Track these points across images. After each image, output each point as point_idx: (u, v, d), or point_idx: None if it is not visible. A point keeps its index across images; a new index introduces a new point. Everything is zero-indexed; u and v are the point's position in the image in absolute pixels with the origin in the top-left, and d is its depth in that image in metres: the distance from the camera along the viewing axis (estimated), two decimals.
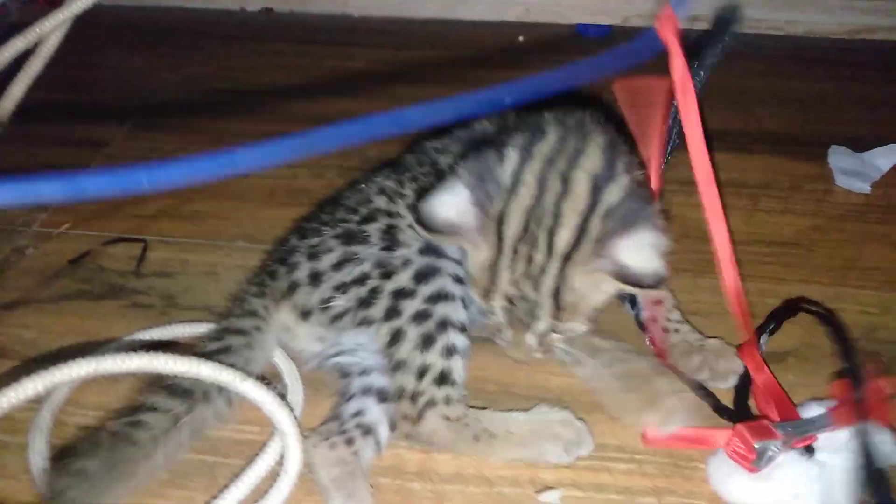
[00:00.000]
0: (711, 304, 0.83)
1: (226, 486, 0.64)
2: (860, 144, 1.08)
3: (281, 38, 1.43)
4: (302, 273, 0.73)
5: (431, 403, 0.67)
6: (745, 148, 1.10)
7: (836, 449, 0.64)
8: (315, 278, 0.73)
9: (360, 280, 0.71)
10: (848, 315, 0.82)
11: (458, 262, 0.72)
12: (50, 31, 0.77)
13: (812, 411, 0.67)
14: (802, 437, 0.64)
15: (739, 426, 0.63)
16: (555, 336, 0.69)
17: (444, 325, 0.68)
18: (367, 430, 0.68)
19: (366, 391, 0.71)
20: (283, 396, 0.69)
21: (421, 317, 0.68)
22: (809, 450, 0.64)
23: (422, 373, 0.67)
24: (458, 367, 0.69)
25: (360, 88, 1.27)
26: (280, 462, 0.65)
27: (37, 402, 0.70)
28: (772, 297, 0.84)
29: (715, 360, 0.74)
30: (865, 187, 1.02)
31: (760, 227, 0.96)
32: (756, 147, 1.11)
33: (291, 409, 0.65)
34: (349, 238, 0.73)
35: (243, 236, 0.94)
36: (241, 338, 0.72)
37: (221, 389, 0.67)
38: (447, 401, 0.67)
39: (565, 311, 0.66)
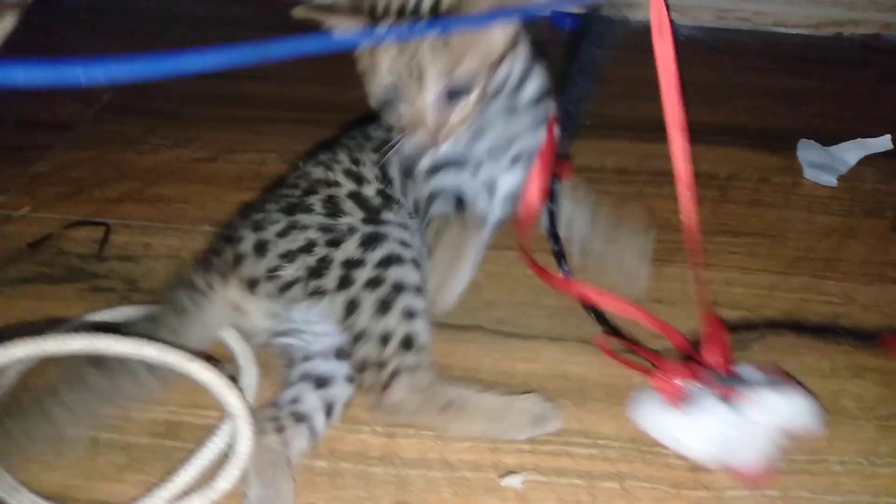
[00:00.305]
0: (677, 292, 0.84)
1: (174, 469, 0.63)
2: (828, 138, 1.09)
3: (256, 25, 1.41)
4: (247, 245, 0.72)
5: (397, 372, 0.65)
6: (715, 140, 1.11)
7: (766, 410, 0.65)
8: (260, 248, 0.72)
9: (307, 248, 0.70)
10: (813, 305, 0.84)
11: (404, 227, 0.72)
12: (8, 7, 0.75)
13: (746, 371, 0.69)
14: (728, 388, 0.66)
15: (671, 361, 0.67)
16: (458, 99, 0.66)
17: (398, 287, 0.67)
18: (301, 418, 0.66)
19: (304, 377, 0.69)
20: (234, 379, 0.67)
21: (374, 283, 0.67)
22: (732, 401, 0.66)
23: (384, 339, 0.66)
24: (421, 329, 0.67)
25: (336, 75, 1.26)
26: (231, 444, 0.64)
27: None
28: (738, 286, 0.85)
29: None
30: (832, 180, 1.03)
31: (729, 217, 0.97)
32: (725, 139, 1.11)
33: (242, 392, 0.64)
34: (292, 209, 0.73)
35: (208, 220, 0.93)
36: (170, 307, 0.70)
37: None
38: (414, 369, 0.66)
39: (454, 53, 0.63)
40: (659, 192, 1.00)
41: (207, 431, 0.67)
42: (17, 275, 0.85)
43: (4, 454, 0.62)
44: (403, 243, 0.71)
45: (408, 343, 0.66)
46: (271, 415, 0.66)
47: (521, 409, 0.68)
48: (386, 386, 0.65)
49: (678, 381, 0.66)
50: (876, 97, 1.24)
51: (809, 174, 1.04)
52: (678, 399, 0.65)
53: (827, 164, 1.06)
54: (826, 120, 1.17)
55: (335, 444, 0.68)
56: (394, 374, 0.65)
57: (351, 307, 0.67)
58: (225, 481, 0.62)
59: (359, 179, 0.76)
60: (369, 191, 0.75)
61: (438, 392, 0.66)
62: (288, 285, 0.70)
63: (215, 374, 0.61)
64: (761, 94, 1.24)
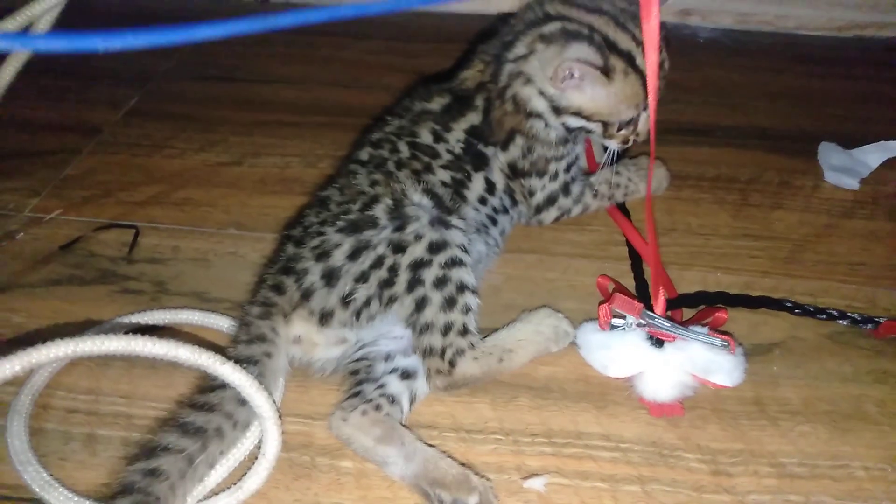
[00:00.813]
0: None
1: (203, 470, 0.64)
2: (850, 141, 1.09)
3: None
4: (314, 276, 0.72)
5: (460, 352, 0.72)
6: (736, 143, 1.11)
7: (683, 354, 0.72)
8: (330, 277, 0.72)
9: (377, 264, 0.72)
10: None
11: (464, 231, 0.76)
12: (40, 14, 0.76)
13: (696, 329, 0.74)
14: (657, 328, 0.73)
15: (618, 294, 0.76)
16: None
17: (461, 288, 0.72)
18: (393, 400, 0.70)
19: (390, 371, 0.72)
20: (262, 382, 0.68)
21: (441, 282, 0.72)
22: (659, 343, 0.74)
23: (447, 329, 0.71)
24: (473, 320, 0.74)
25: (353, 78, 1.27)
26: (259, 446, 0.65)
27: (17, 384, 0.71)
28: (758, 290, 0.85)
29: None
30: (854, 184, 1.02)
31: (749, 221, 0.97)
32: (746, 142, 1.11)
33: (270, 394, 0.65)
34: (355, 227, 0.73)
35: (233, 224, 0.94)
36: (252, 368, 0.68)
37: (233, 420, 0.65)
38: (471, 346, 0.72)
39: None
40: (677, 195, 1.00)
41: None
42: (49, 276, 0.87)
43: None
44: (463, 249, 0.75)
45: (465, 330, 0.73)
46: (361, 400, 0.70)
47: (548, 324, 0.78)
48: (452, 364, 0.71)
49: (613, 309, 0.75)
50: None
51: (831, 177, 1.04)
52: (606, 323, 0.75)
53: (848, 167, 1.05)
54: (848, 122, 1.16)
55: None
56: (456, 354, 0.72)
57: (420, 304, 0.72)
58: (253, 481, 0.64)
59: (421, 182, 0.79)
60: (440, 190, 0.80)
61: (492, 351, 0.74)
62: (364, 305, 0.72)
63: (245, 376, 0.62)
64: (782, 96, 1.24)
